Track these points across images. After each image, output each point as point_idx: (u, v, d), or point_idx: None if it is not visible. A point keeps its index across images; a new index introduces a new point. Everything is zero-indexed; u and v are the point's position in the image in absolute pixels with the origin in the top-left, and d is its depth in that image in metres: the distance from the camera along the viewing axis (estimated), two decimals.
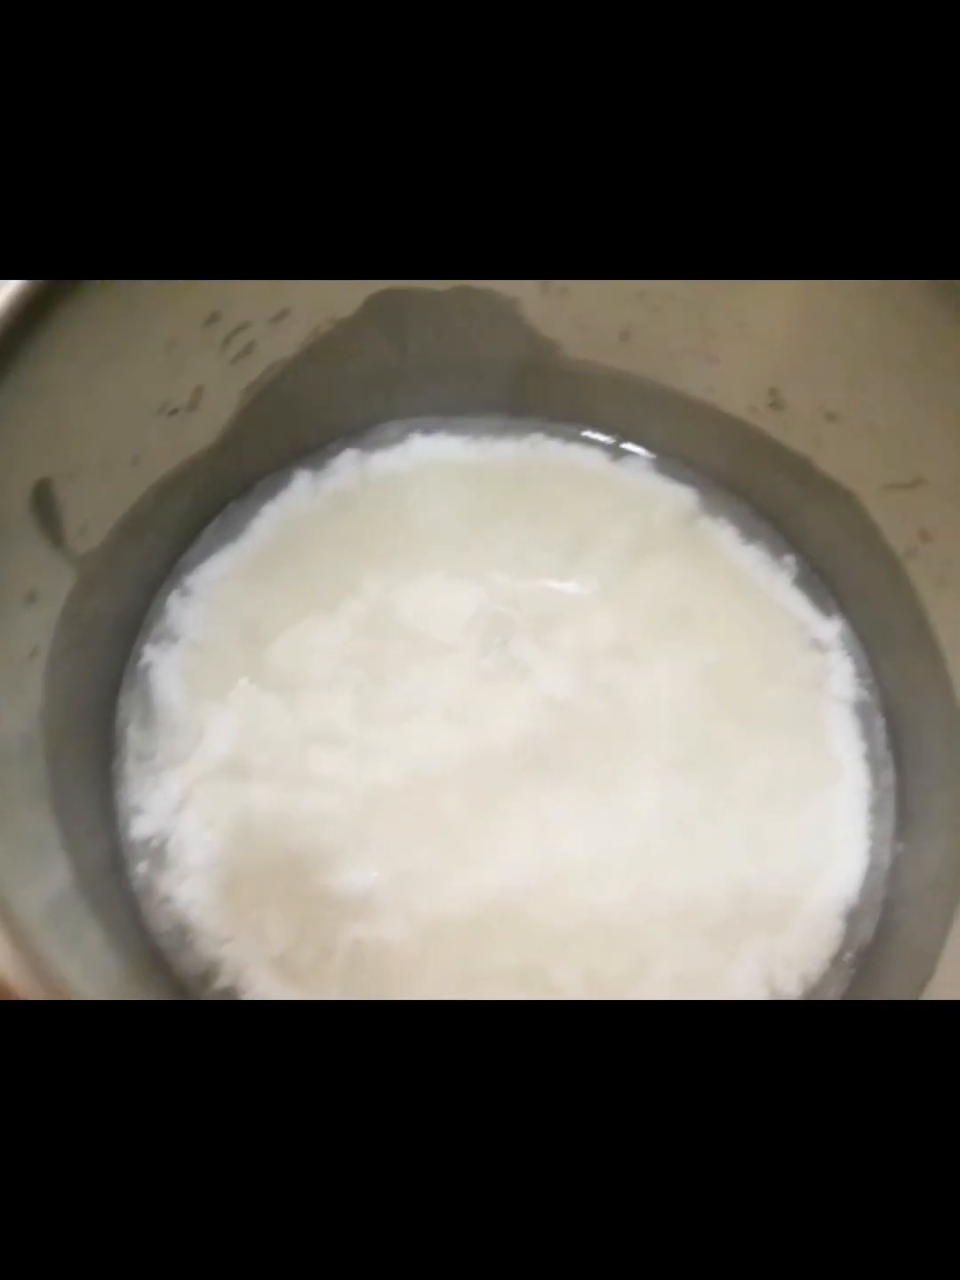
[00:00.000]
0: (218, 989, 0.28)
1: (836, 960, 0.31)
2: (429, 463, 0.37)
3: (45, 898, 0.19)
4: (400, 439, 0.37)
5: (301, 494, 0.35)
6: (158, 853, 0.29)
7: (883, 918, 0.31)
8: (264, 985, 0.28)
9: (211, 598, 0.34)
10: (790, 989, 0.30)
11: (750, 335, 0.32)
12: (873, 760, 0.34)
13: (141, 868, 0.29)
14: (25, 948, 0.16)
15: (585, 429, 0.38)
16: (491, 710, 0.33)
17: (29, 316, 0.22)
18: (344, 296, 0.31)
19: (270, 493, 0.35)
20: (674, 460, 0.38)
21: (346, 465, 0.36)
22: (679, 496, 0.37)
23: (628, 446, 0.38)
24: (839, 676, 0.35)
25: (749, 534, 0.37)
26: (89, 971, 0.18)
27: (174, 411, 0.29)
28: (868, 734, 0.34)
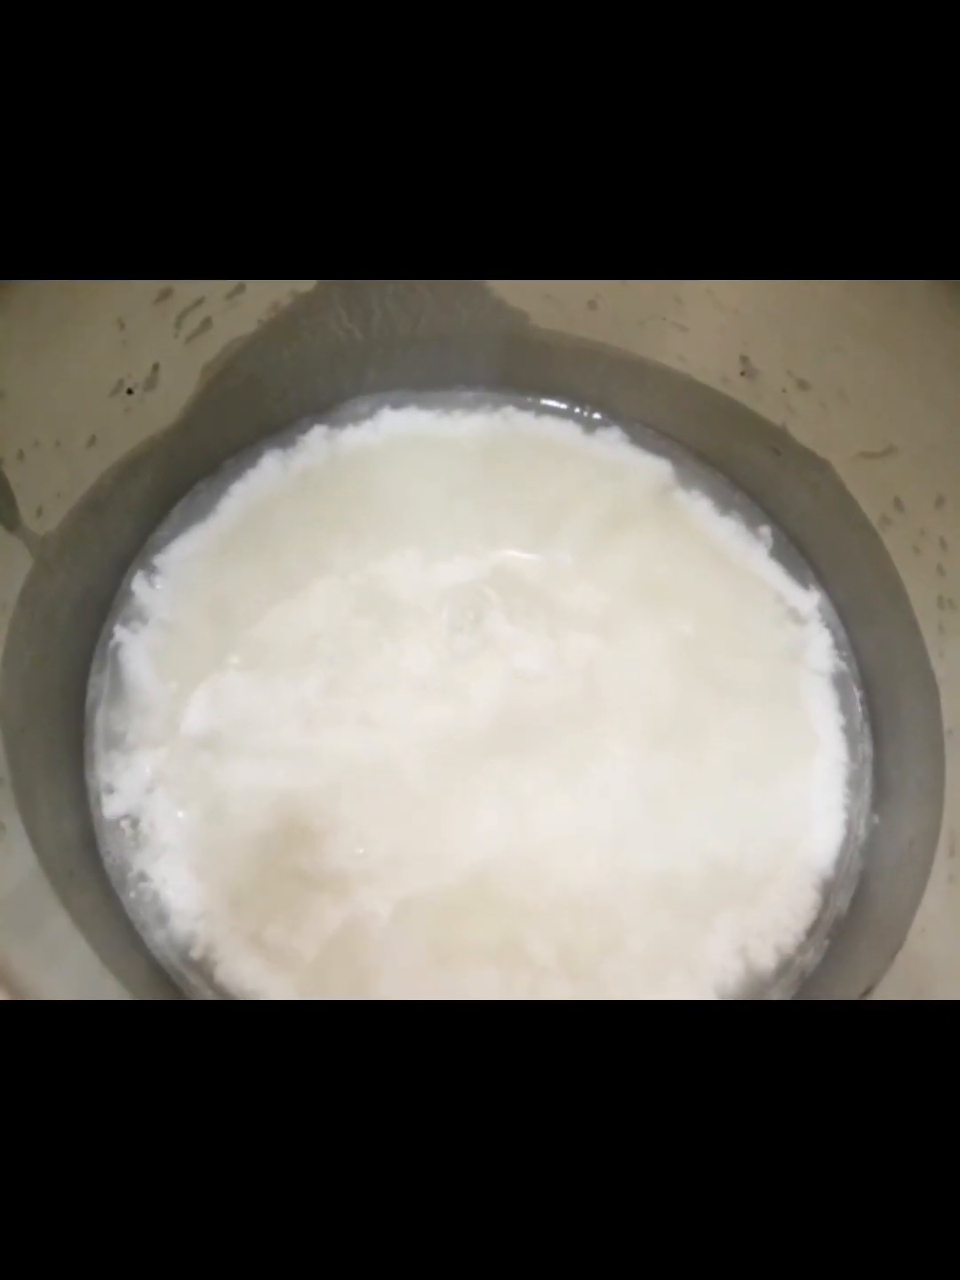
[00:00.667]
0: (193, 962, 0.28)
1: (811, 931, 0.31)
2: (399, 438, 0.36)
3: (6, 889, 0.19)
4: (370, 414, 0.36)
5: (270, 472, 0.35)
6: (131, 832, 0.29)
7: (858, 889, 0.31)
8: (240, 959, 0.28)
9: (181, 577, 0.33)
10: (765, 961, 0.30)
11: (718, 302, 0.32)
12: (850, 732, 0.34)
13: (114, 847, 0.29)
14: None
15: (557, 400, 0.37)
16: (465, 686, 0.33)
17: None
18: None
19: (238, 471, 0.35)
20: (647, 432, 0.37)
21: (316, 442, 0.36)
22: (653, 468, 0.37)
23: (601, 418, 0.37)
24: (816, 648, 0.35)
25: (724, 505, 0.36)
26: (51, 960, 0.18)
27: (130, 390, 0.28)
28: (846, 706, 0.34)
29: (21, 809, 0.23)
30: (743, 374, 0.33)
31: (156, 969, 0.27)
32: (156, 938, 0.28)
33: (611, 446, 0.37)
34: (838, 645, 0.35)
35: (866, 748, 0.33)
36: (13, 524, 0.25)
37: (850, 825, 0.32)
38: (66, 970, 0.18)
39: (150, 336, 0.28)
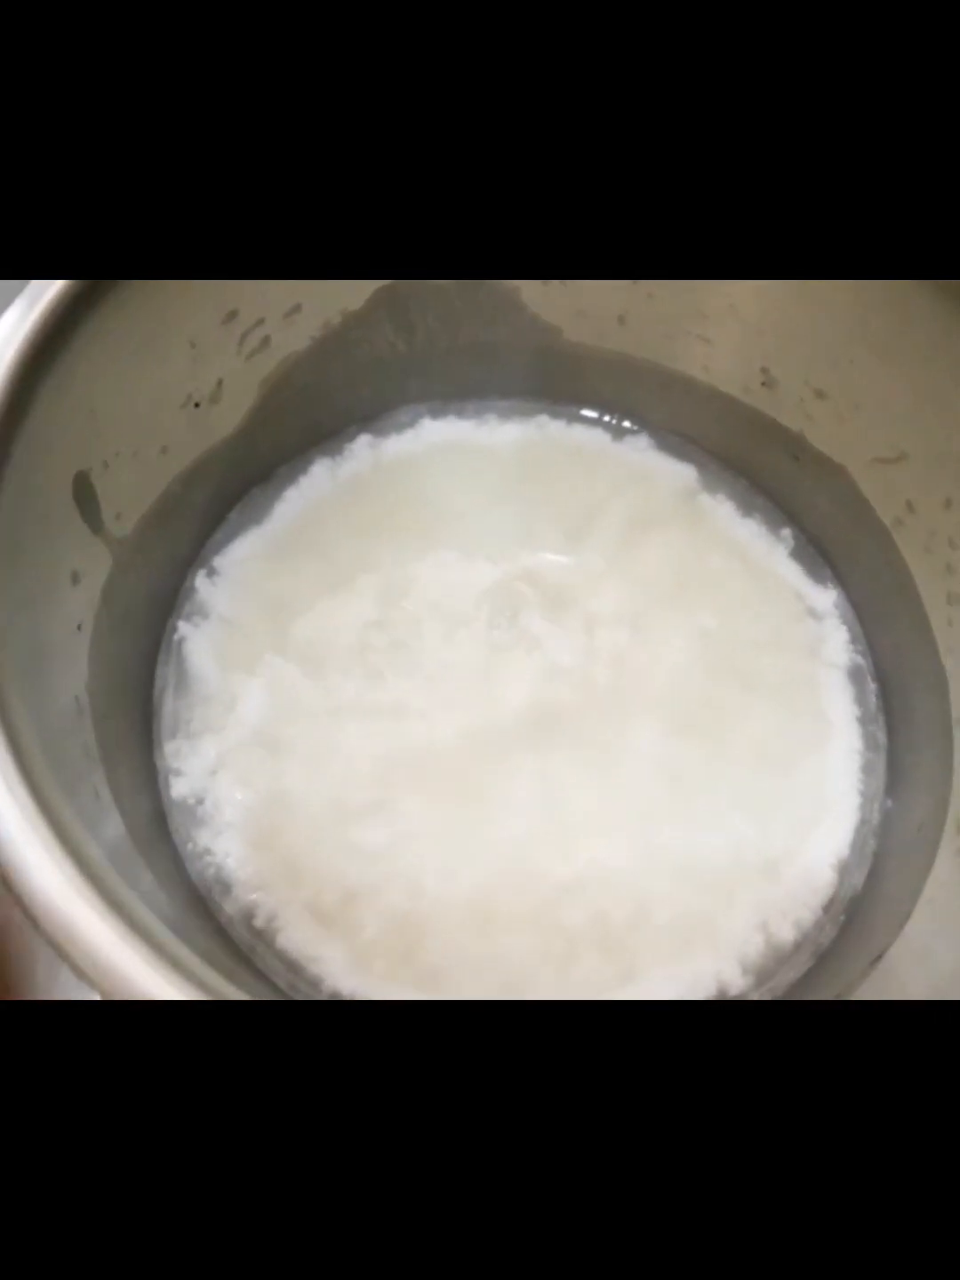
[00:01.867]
0: (256, 929, 0.30)
1: (828, 908, 0.33)
2: (439, 445, 0.39)
3: (106, 844, 0.21)
4: (411, 423, 0.39)
5: (319, 478, 0.38)
6: (196, 811, 0.32)
7: (872, 868, 0.33)
8: (298, 926, 0.30)
9: (238, 577, 0.36)
10: (784, 934, 0.32)
11: (741, 318, 0.34)
12: (865, 722, 0.36)
13: (182, 824, 0.31)
14: (98, 883, 0.18)
15: (587, 410, 0.40)
16: (502, 678, 0.35)
17: (67, 320, 0.24)
18: (352, 291, 0.33)
19: (291, 478, 0.37)
20: (673, 438, 0.39)
21: (361, 450, 0.38)
22: (679, 473, 0.39)
23: (629, 426, 0.40)
24: (833, 643, 0.37)
25: (746, 508, 0.39)
26: (149, 904, 0.20)
27: (198, 404, 0.31)
28: (861, 698, 0.36)
29: (110, 782, 0.26)
30: (763, 384, 0.36)
31: (223, 933, 0.30)
32: (223, 906, 0.31)
33: (639, 452, 0.39)
34: (853, 640, 0.37)
35: (880, 736, 0.35)
36: (97, 527, 0.28)
37: (865, 809, 0.34)
38: (160, 913, 0.20)
39: (216, 354, 0.31)
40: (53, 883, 0.17)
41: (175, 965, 0.18)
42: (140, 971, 0.17)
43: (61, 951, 0.17)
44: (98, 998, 0.17)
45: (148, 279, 0.25)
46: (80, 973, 0.17)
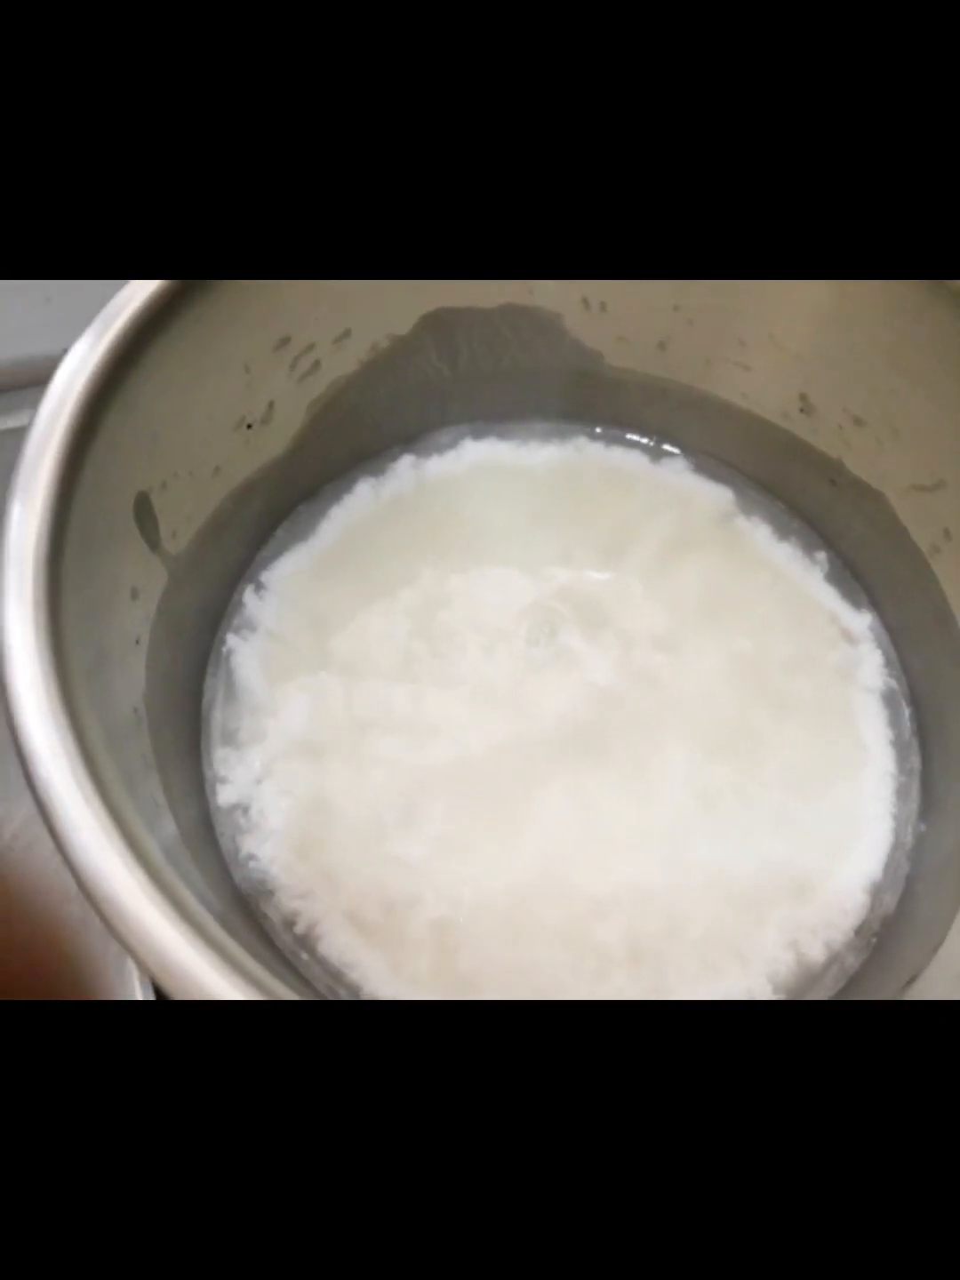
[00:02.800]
0: (298, 934, 0.31)
1: (860, 930, 0.33)
2: (480, 466, 0.40)
3: (164, 845, 0.22)
4: (453, 445, 0.40)
5: (364, 497, 0.39)
6: (241, 818, 0.33)
7: (904, 891, 0.33)
8: (338, 934, 0.31)
9: (284, 592, 0.37)
10: (815, 954, 0.32)
11: (780, 345, 0.34)
12: (899, 746, 0.36)
13: (228, 830, 0.32)
14: (160, 881, 0.19)
15: (627, 433, 0.40)
16: (539, 695, 0.36)
17: (134, 348, 0.25)
18: (399, 316, 0.34)
19: (335, 497, 0.38)
20: (711, 462, 0.40)
21: (404, 470, 0.39)
22: (716, 496, 0.40)
23: (667, 449, 0.40)
24: (868, 667, 0.37)
25: (783, 531, 0.39)
26: (202, 901, 0.21)
27: (250, 426, 0.32)
28: (895, 721, 0.36)
29: (164, 789, 0.27)
30: (801, 410, 0.36)
31: (267, 937, 0.31)
32: (267, 911, 0.32)
33: (677, 475, 0.40)
34: (888, 664, 0.37)
35: (915, 761, 0.36)
36: (155, 544, 0.29)
37: (898, 832, 0.34)
38: (214, 912, 0.21)
39: (269, 378, 0.32)
40: (123, 883, 0.18)
41: (233, 963, 0.18)
42: (201, 969, 0.18)
43: (128, 947, 0.18)
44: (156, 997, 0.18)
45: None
46: (143, 966, 0.18)
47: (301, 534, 0.38)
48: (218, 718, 0.34)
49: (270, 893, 0.32)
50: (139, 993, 0.34)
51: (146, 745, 0.27)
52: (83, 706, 0.22)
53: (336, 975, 0.31)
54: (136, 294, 0.25)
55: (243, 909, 0.31)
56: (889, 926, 0.33)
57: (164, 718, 0.29)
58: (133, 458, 0.26)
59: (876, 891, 0.33)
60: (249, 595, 0.36)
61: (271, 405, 0.33)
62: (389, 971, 0.31)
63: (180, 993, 0.18)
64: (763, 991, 0.31)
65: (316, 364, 0.33)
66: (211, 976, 0.18)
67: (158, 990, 0.30)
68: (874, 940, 0.33)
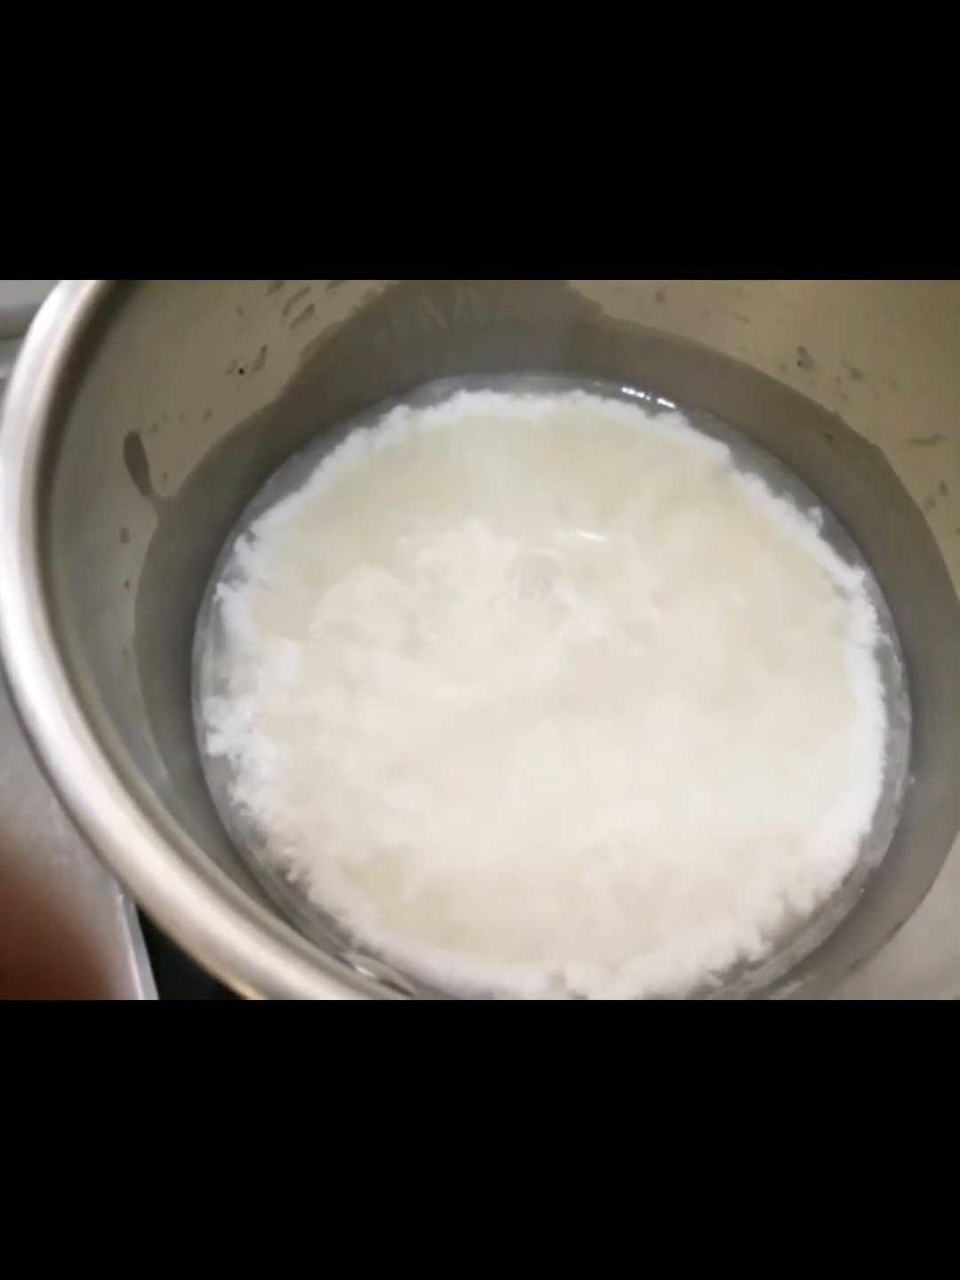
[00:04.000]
0: (290, 881, 0.31)
1: (848, 881, 0.33)
2: (475, 418, 0.39)
3: (156, 788, 0.22)
4: (447, 396, 0.39)
5: (356, 447, 0.38)
6: (232, 766, 0.33)
7: (892, 843, 0.33)
8: (329, 881, 0.31)
9: (276, 542, 0.37)
10: (803, 903, 0.32)
11: (778, 296, 0.34)
12: (890, 700, 0.36)
13: (218, 778, 0.32)
14: (155, 818, 0.19)
15: (623, 386, 0.40)
16: (533, 648, 0.36)
17: (123, 287, 0.25)
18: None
19: (328, 446, 0.38)
20: (708, 417, 0.40)
21: (398, 421, 0.39)
22: (712, 451, 0.39)
23: (664, 403, 0.40)
24: (861, 622, 0.37)
25: (778, 487, 0.39)
26: (200, 844, 0.21)
27: (242, 370, 0.32)
28: (886, 676, 0.36)
29: (154, 733, 0.27)
30: (799, 363, 0.36)
31: (258, 883, 0.31)
32: (257, 859, 0.32)
33: (673, 430, 0.40)
34: (880, 620, 0.37)
35: (905, 714, 0.36)
36: (146, 487, 0.28)
37: (887, 785, 0.34)
38: (208, 855, 0.21)
39: (262, 322, 0.31)
40: (116, 819, 0.18)
41: (225, 896, 0.18)
42: (193, 902, 0.18)
43: (123, 881, 0.18)
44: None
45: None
46: (140, 900, 0.18)
47: (294, 484, 0.37)
48: (208, 667, 0.34)
49: (262, 841, 0.32)
50: (131, 946, 0.34)
51: (136, 689, 0.26)
52: (74, 646, 0.22)
53: (328, 921, 0.31)
54: None
55: (233, 856, 0.31)
56: (876, 877, 0.33)
57: (154, 663, 0.29)
58: (125, 397, 0.26)
59: (865, 843, 0.34)
60: (240, 544, 0.36)
61: (264, 350, 0.32)
62: (380, 919, 0.31)
63: (171, 924, 0.18)
64: (751, 940, 0.32)
65: (310, 309, 0.33)
66: (201, 907, 0.18)
67: (147, 928, 0.30)
68: (861, 890, 0.33)
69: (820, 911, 0.32)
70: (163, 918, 0.18)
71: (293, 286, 0.32)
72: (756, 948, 0.32)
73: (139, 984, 0.30)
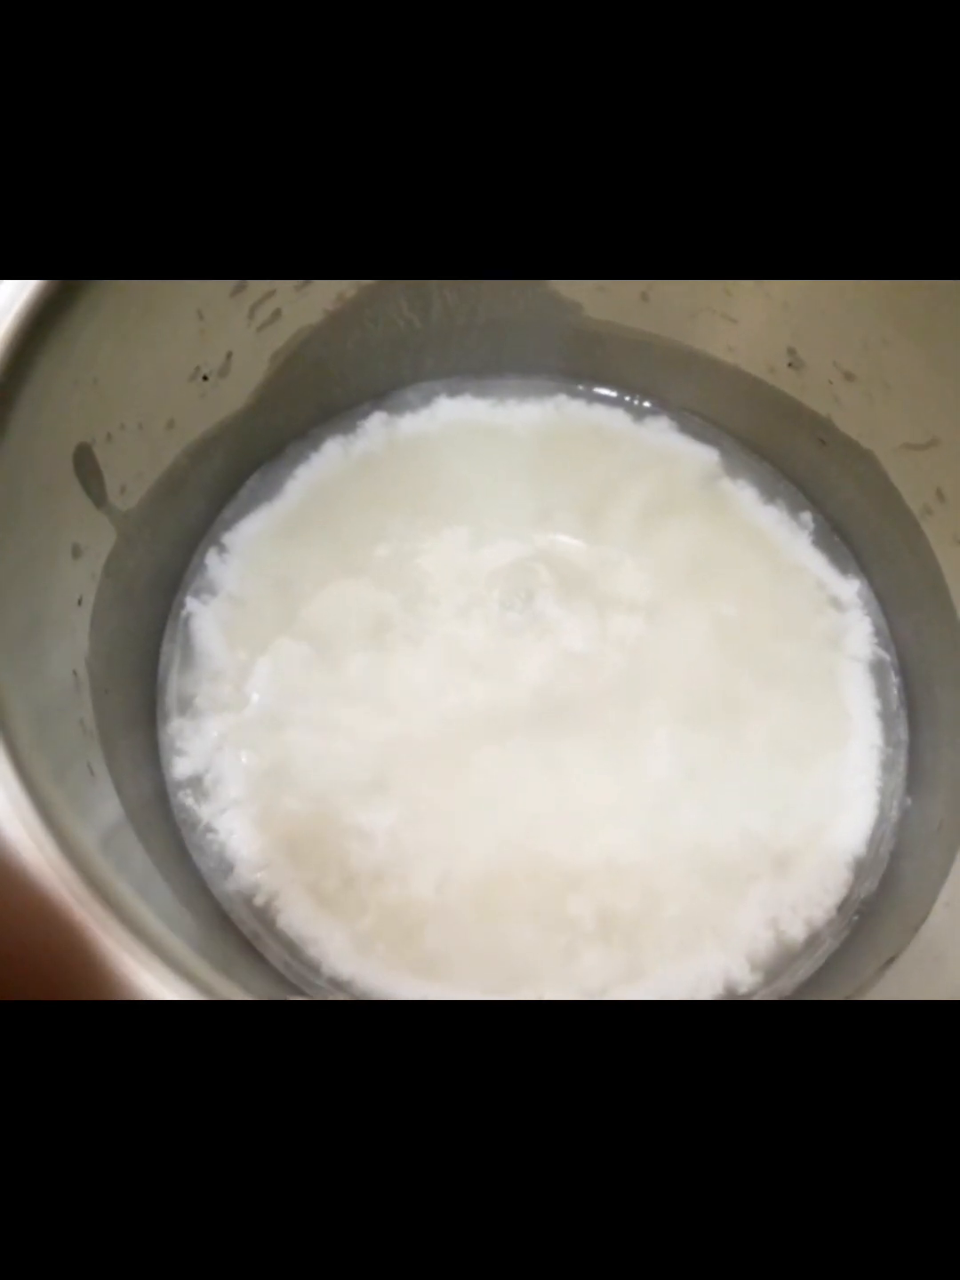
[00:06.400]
0: (256, 907, 0.30)
1: (842, 908, 0.32)
2: (455, 425, 0.38)
3: (100, 828, 0.21)
4: (426, 402, 0.38)
5: (332, 456, 0.37)
6: (199, 788, 0.31)
7: (888, 869, 0.32)
8: (297, 907, 0.30)
9: (248, 554, 0.35)
10: (795, 932, 0.31)
11: (768, 295, 0.33)
12: (886, 717, 0.35)
13: (185, 801, 0.31)
14: (86, 871, 0.18)
15: (608, 389, 0.39)
16: (514, 662, 0.34)
17: (70, 286, 0.23)
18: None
19: (302, 455, 0.37)
20: (696, 421, 0.38)
21: (375, 428, 0.37)
22: (701, 457, 0.38)
23: (651, 407, 0.38)
24: (856, 635, 0.36)
25: (769, 494, 0.37)
26: (143, 890, 0.20)
27: (206, 377, 0.30)
28: (882, 692, 0.35)
29: (107, 759, 0.25)
30: (790, 365, 0.34)
31: (223, 915, 0.30)
32: (224, 886, 0.30)
33: (661, 435, 0.38)
34: (876, 632, 0.36)
35: (902, 732, 0.34)
36: (100, 500, 0.27)
37: (883, 807, 0.33)
38: (154, 902, 0.20)
39: (226, 326, 0.30)
40: (37, 869, 0.17)
41: (163, 957, 0.17)
42: (123, 963, 0.17)
43: (41, 940, 0.17)
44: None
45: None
46: (61, 962, 0.17)
47: (267, 494, 0.36)
48: (174, 684, 0.33)
49: (230, 867, 0.31)
50: None
51: (87, 712, 0.25)
52: (8, 685, 0.21)
53: (295, 950, 0.30)
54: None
55: (197, 886, 0.30)
56: (870, 905, 0.31)
57: (112, 683, 0.28)
58: (71, 406, 0.25)
59: (859, 869, 0.32)
60: (211, 557, 0.35)
61: (229, 356, 0.31)
62: (350, 948, 0.30)
63: (101, 988, 0.17)
64: (741, 971, 0.30)
65: (277, 312, 0.32)
66: (134, 970, 0.17)
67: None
68: (855, 918, 0.32)
69: (812, 940, 0.31)
70: (102, 988, 0.17)
71: (258, 289, 0.30)
72: (746, 978, 0.30)
73: None
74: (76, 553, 0.26)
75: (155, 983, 0.17)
